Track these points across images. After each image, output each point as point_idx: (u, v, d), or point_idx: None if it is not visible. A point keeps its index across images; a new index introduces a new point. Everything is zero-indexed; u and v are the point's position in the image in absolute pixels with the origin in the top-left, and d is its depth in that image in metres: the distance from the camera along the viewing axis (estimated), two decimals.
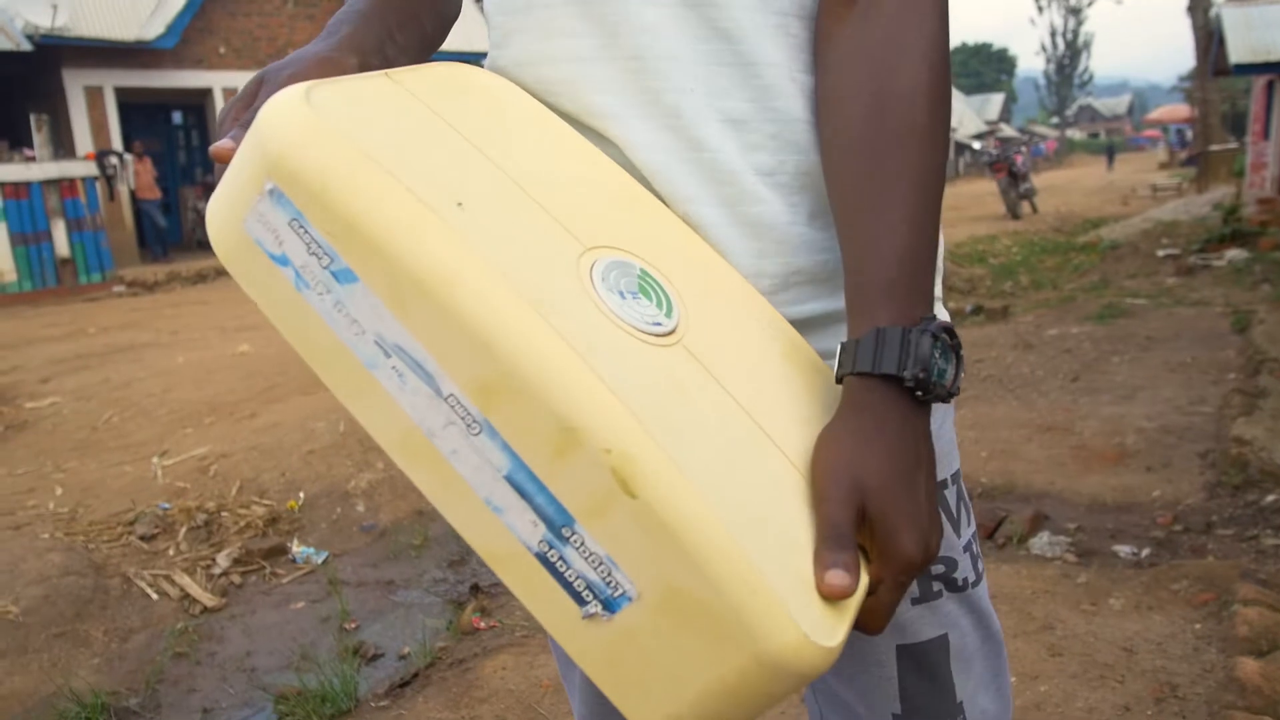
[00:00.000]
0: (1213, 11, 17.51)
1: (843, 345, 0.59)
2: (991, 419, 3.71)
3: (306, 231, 0.51)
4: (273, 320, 0.55)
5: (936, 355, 0.56)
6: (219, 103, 13.45)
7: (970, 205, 17.53)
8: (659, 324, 0.56)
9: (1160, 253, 7.97)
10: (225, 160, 0.61)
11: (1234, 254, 7.34)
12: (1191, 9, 19.54)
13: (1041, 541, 2.60)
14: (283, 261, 0.52)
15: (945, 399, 0.58)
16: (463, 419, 0.49)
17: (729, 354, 0.59)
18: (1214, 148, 17.69)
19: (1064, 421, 3.59)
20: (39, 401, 5.09)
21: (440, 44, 0.93)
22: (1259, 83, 13.92)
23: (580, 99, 0.69)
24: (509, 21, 0.73)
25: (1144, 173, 32.26)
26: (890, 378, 0.55)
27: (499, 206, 0.57)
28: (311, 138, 0.52)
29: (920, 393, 0.56)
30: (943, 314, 0.70)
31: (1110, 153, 41.56)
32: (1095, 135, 73.91)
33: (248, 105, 0.68)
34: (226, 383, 5.11)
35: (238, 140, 0.60)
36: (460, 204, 0.53)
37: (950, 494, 0.72)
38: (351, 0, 0.82)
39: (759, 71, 0.66)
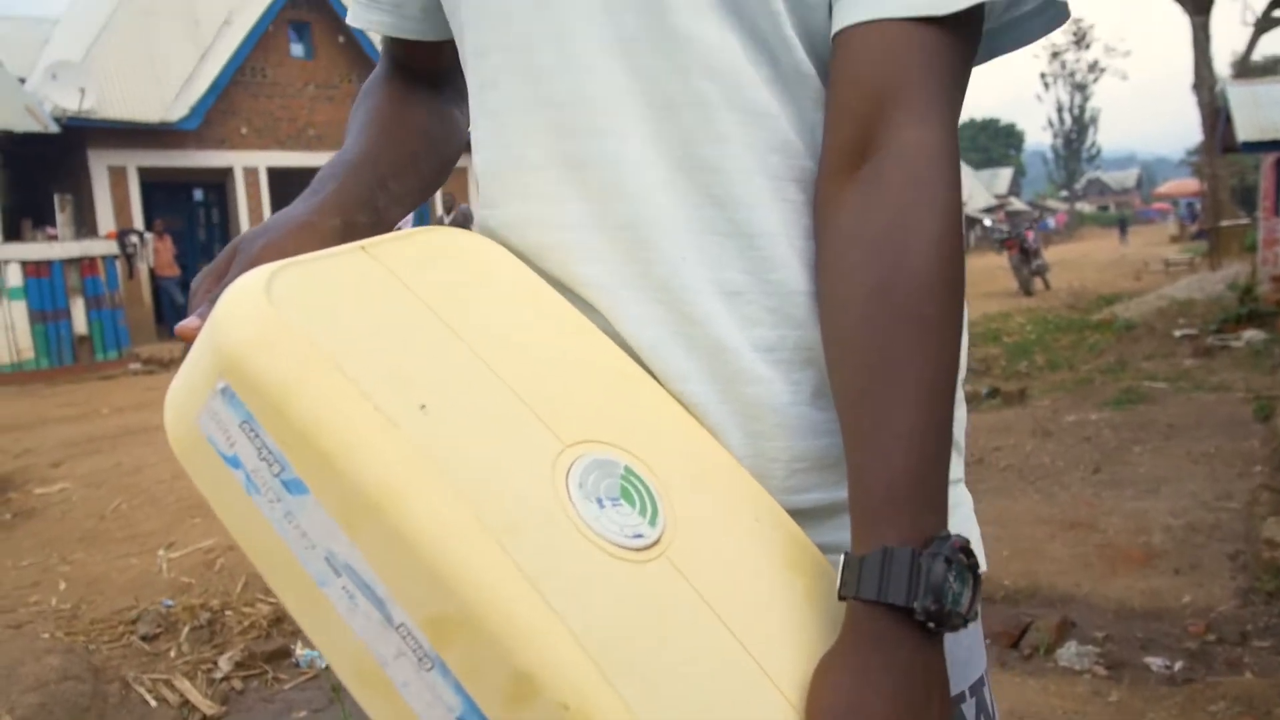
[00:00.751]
0: (1218, 88, 17.75)
1: (845, 560, 0.53)
2: (1013, 514, 3.63)
3: (258, 436, 0.48)
4: (224, 522, 0.52)
5: (951, 580, 0.51)
6: (239, 181, 13.73)
7: (982, 280, 17.58)
8: (640, 535, 0.52)
9: (1177, 333, 7.92)
10: (190, 339, 0.58)
11: (1251, 335, 7.28)
12: (1197, 86, 19.82)
13: (1069, 652, 2.50)
14: (234, 463, 0.50)
15: (961, 626, 0.52)
16: (414, 651, 0.45)
17: (719, 563, 0.55)
18: (1225, 223, 17.74)
19: (1087, 517, 3.51)
20: (49, 487, 5.07)
21: (440, 186, 0.91)
22: (1268, 159, 14.02)
23: (569, 268, 0.66)
24: (498, 183, 0.70)
25: (1156, 246, 32.39)
26: (898, 607, 0.51)
27: (470, 404, 0.53)
28: (267, 338, 0.49)
29: (933, 624, 0.51)
30: (957, 470, 0.66)
31: (1123, 226, 41.94)
32: (1105, 208, 74.49)
33: (219, 278, 0.66)
34: None
35: (204, 318, 0.57)
36: (424, 406, 0.50)
37: (969, 708, 0.66)
38: (344, 147, 0.81)
39: (756, 242, 0.63)
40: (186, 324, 0.61)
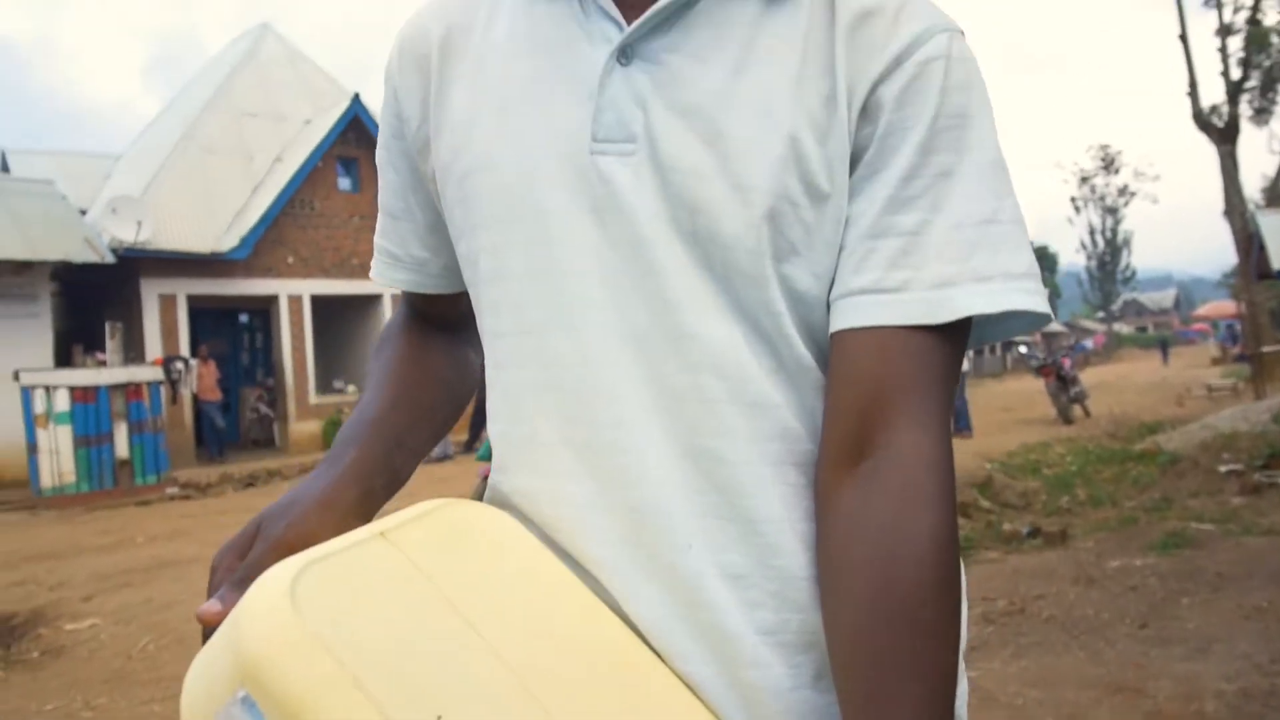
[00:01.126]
0: (1250, 215, 17.84)
1: None
2: (1057, 674, 3.49)
3: None
4: None
5: None
6: (284, 308, 14.13)
7: (1020, 405, 17.40)
8: None
9: (1222, 468, 7.73)
10: (212, 625, 0.60)
11: None
12: (1228, 213, 19.93)
13: None
14: None
15: None
16: None
17: None
18: (1266, 349, 17.51)
19: (1135, 680, 3.36)
20: (79, 623, 5.06)
21: (453, 427, 0.94)
22: None
23: (578, 545, 0.68)
24: (512, 452, 0.73)
25: (1197, 368, 31.98)
26: None
27: (485, 708, 0.55)
28: (291, 649, 0.50)
29: None
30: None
31: (1164, 347, 41.74)
32: (1143, 329, 74.04)
33: (240, 555, 0.68)
34: None
35: (225, 603, 0.59)
36: (440, 718, 0.52)
37: None
38: (364, 402, 0.84)
39: (759, 528, 0.66)
40: (208, 609, 0.63)
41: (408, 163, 0.81)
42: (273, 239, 13.83)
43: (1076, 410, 14.32)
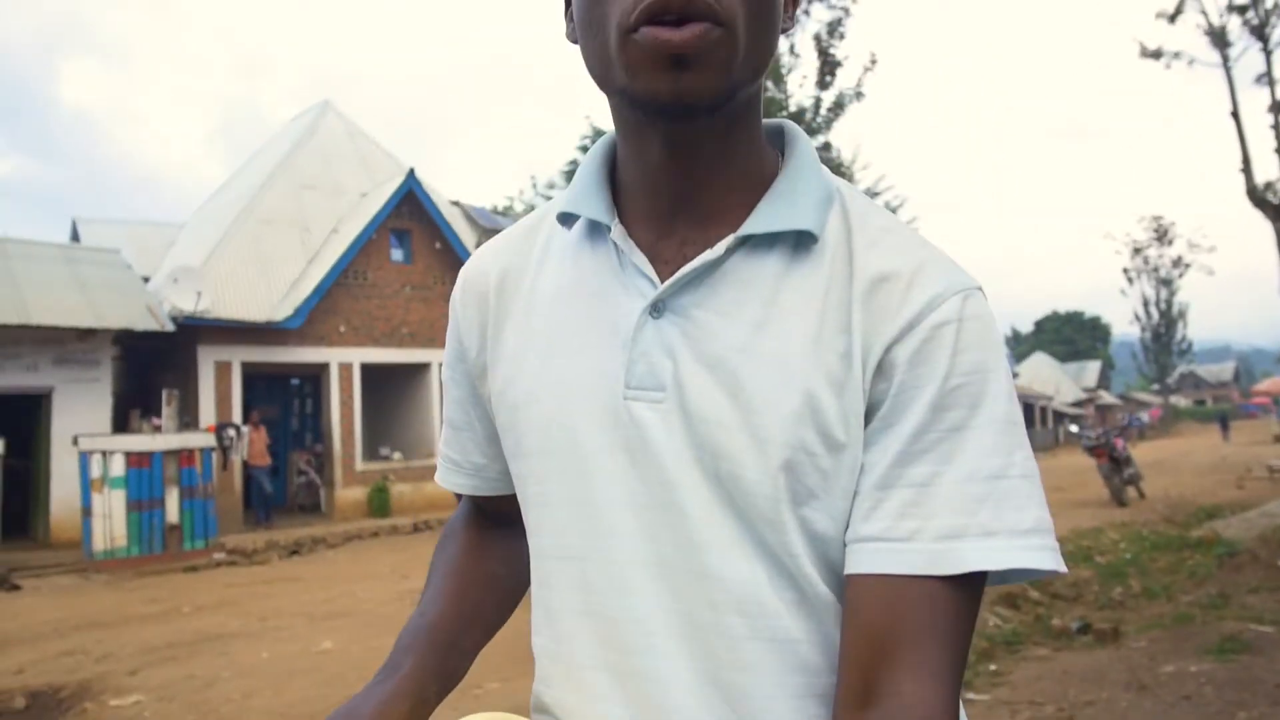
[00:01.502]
0: None
1: None
2: None
3: None
4: None
5: None
6: (334, 374, 14.40)
7: (1072, 485, 17.01)
8: None
9: None
10: None
11: None
12: None
13: None
14: None
15: None
16: None
17: None
18: None
19: None
20: (123, 699, 5.12)
21: (504, 622, 0.99)
22: None
23: None
24: (554, 668, 0.80)
25: (1258, 445, 31.02)
26: None
27: None
28: None
29: None
30: None
31: (1224, 422, 40.67)
32: (1201, 402, 72.22)
33: None
34: (306, 689, 5.08)
35: None
36: None
37: None
38: (423, 604, 0.91)
39: None
40: None
41: (469, 383, 0.88)
42: (326, 308, 14.17)
43: (1130, 492, 13.95)
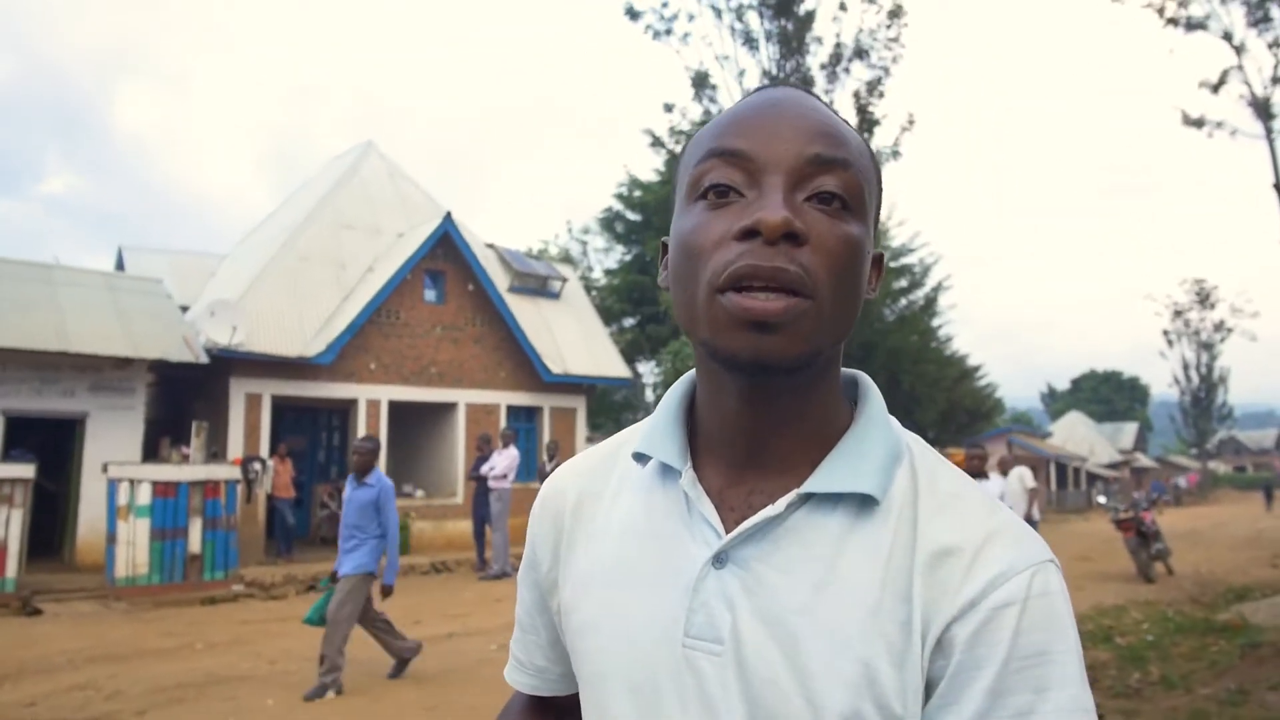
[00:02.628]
0: None
1: None
2: None
3: None
4: None
5: None
6: (362, 410, 14.56)
7: (1100, 555, 16.70)
8: None
9: None
10: None
11: None
12: None
13: None
14: None
15: None
16: None
17: None
18: None
19: None
20: None
21: None
22: None
23: None
24: None
25: None
26: None
27: None
28: None
29: None
30: None
31: (1269, 491, 39.67)
32: (1241, 469, 70.57)
33: None
34: None
35: None
36: None
37: None
38: None
39: None
40: None
41: (539, 592, 0.93)
42: (357, 345, 14.38)
43: (1158, 568, 13.67)
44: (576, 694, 0.96)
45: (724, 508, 0.78)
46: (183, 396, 14.55)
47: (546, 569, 0.90)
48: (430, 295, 15.51)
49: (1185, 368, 51.74)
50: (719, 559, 0.76)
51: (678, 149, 23.63)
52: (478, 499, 13.17)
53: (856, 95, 24.56)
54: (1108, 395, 67.36)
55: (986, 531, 0.72)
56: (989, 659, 0.67)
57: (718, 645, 0.74)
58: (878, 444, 0.77)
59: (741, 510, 0.77)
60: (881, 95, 24.06)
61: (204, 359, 12.70)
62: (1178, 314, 50.61)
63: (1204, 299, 49.65)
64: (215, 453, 12.94)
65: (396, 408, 15.31)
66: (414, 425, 16.22)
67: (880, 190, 0.81)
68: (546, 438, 16.20)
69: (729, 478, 0.79)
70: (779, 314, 0.69)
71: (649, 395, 25.11)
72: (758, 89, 0.81)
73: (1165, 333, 51.44)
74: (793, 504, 0.75)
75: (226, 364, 13.19)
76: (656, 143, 24.01)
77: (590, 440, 21.94)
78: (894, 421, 0.81)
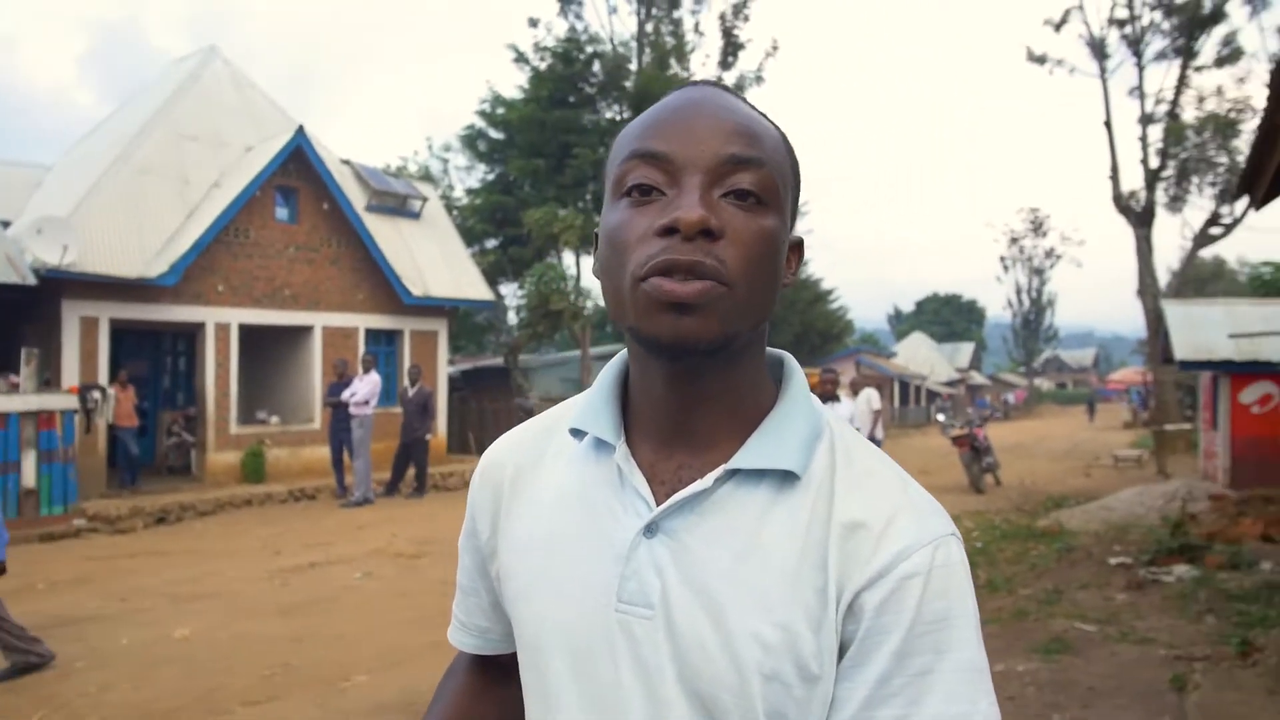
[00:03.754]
0: (1160, 300, 18.72)
1: None
2: None
3: None
4: None
5: None
6: (210, 335, 13.90)
7: (937, 468, 17.88)
8: None
9: (1112, 561, 8.11)
10: None
11: (1182, 570, 7.48)
12: (1141, 293, 20.91)
13: None
14: None
15: None
16: None
17: None
18: (1170, 427, 18.31)
19: None
20: None
21: None
22: (1205, 376, 14.67)
23: None
24: None
25: (1109, 431, 33.17)
26: None
27: None
28: None
29: None
30: None
31: (1091, 406, 44.12)
32: (1063, 385, 76.33)
33: None
34: (166, 682, 5.01)
35: None
36: None
37: None
38: None
39: None
40: None
41: (479, 558, 0.97)
42: (203, 266, 13.64)
43: (988, 480, 14.79)
44: (514, 655, 1.01)
45: (655, 481, 0.83)
46: (9, 321, 13.49)
47: (486, 537, 0.94)
48: (282, 213, 14.81)
49: (1018, 291, 55.27)
50: (650, 529, 0.80)
51: (542, 66, 23.09)
52: (336, 425, 12.90)
53: (722, 18, 24.57)
54: (948, 317, 71.19)
55: (895, 507, 0.78)
56: (895, 625, 0.73)
57: (648, 610, 0.79)
58: (800, 423, 0.82)
59: (671, 484, 0.82)
60: (747, 19, 24.18)
61: (31, 280, 11.77)
62: (1014, 241, 53.79)
63: (1037, 227, 52.89)
64: (48, 380, 12.13)
65: (248, 331, 14.69)
66: (268, 349, 15.62)
67: (798, 181, 0.87)
68: (407, 362, 15.94)
69: (659, 453, 0.84)
70: (696, 296, 0.74)
71: (512, 318, 24.92)
72: (679, 87, 0.85)
73: (1002, 258, 54.65)
74: (720, 479, 0.80)
75: (58, 285, 12.28)
76: (521, 58, 23.39)
77: (452, 363, 21.71)
78: (815, 400, 0.87)
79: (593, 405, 0.88)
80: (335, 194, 15.07)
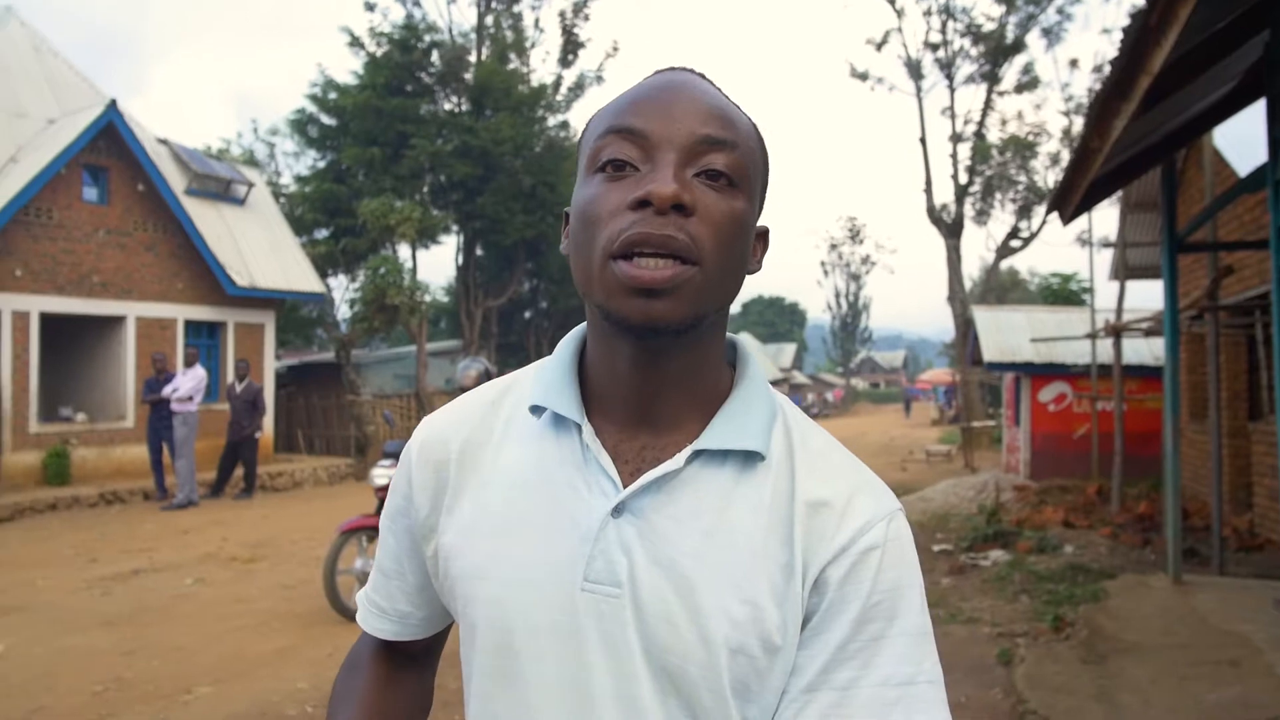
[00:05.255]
0: (969, 305, 20.21)
1: None
2: None
3: None
4: None
5: None
6: (6, 324, 12.68)
7: None
8: None
9: (935, 548, 8.70)
10: None
11: (997, 555, 8.13)
12: (950, 299, 22.49)
13: None
14: None
15: None
16: None
17: None
18: (975, 424, 19.77)
19: None
20: None
21: None
22: (1008, 376, 15.94)
23: None
24: None
25: (920, 428, 35.38)
26: None
27: None
28: None
29: None
30: None
31: (908, 404, 47.13)
32: (876, 385, 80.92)
33: None
34: None
35: None
36: None
37: None
38: None
39: None
40: None
41: (410, 538, 0.93)
42: (0, 248, 12.43)
43: None
44: (428, 639, 1.01)
45: (619, 460, 0.83)
46: None
47: (424, 516, 0.90)
48: (91, 194, 13.68)
49: (837, 295, 58.22)
50: (617, 509, 0.81)
51: (379, 52, 22.36)
52: (156, 423, 12.06)
53: (562, 15, 24.57)
54: (772, 319, 74.02)
55: (852, 486, 0.82)
56: (856, 594, 0.78)
57: (615, 588, 0.79)
58: (759, 405, 0.85)
59: (635, 463, 0.83)
60: (587, 18, 24.27)
61: None
62: (833, 247, 56.59)
63: (855, 235, 55.85)
64: None
65: (51, 320, 13.49)
66: (74, 340, 14.41)
67: (766, 170, 0.89)
68: (231, 355, 15.09)
69: (623, 432, 0.85)
70: (666, 281, 0.75)
71: (343, 311, 24.00)
72: (658, 71, 0.86)
73: (823, 264, 57.40)
74: (689, 459, 0.81)
75: None
76: (355, 43, 22.57)
77: (279, 358, 20.69)
78: (768, 383, 0.90)
79: (552, 381, 0.87)
80: (152, 175, 14.07)
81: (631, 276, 0.75)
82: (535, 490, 0.85)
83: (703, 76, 0.86)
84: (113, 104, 13.59)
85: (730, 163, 0.79)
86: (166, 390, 11.80)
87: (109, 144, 13.69)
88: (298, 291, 16.70)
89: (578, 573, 0.81)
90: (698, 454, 0.82)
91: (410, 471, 0.92)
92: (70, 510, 11.55)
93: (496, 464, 0.88)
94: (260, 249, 16.19)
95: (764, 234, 0.90)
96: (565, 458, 0.85)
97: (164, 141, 15.73)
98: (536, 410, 0.87)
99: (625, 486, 0.82)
